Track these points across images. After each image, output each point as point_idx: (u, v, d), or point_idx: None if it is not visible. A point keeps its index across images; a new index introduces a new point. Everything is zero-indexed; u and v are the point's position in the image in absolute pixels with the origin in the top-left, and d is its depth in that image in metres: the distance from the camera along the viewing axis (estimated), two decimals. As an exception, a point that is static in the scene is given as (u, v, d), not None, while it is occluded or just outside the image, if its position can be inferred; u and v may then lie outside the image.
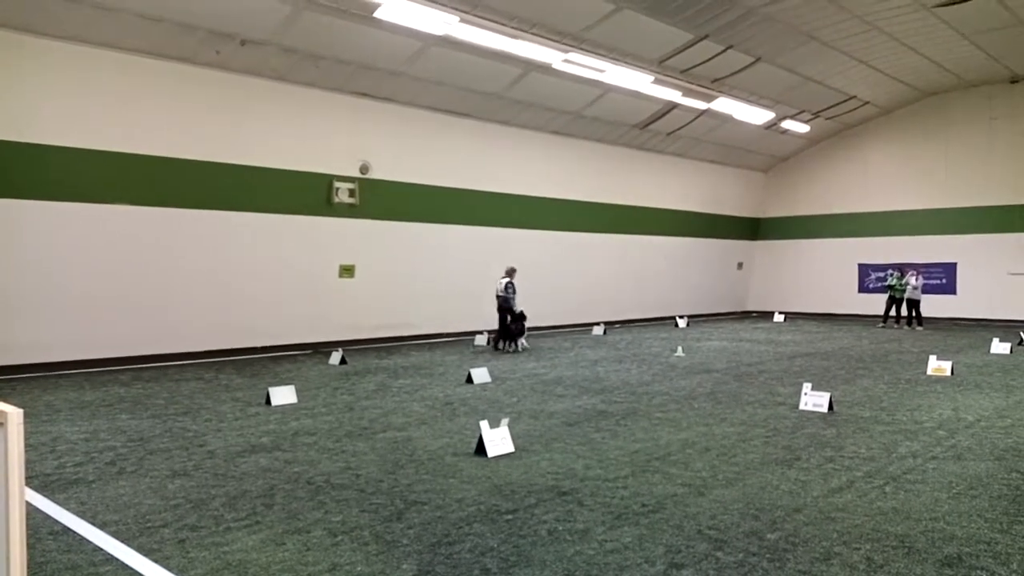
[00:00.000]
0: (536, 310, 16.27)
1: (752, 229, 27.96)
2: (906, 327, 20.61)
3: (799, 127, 23.19)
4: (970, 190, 23.02)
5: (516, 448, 6.66)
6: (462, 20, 13.01)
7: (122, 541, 4.51)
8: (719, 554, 4.27)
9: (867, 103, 22.97)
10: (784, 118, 22.20)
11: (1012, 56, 19.67)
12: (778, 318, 24.05)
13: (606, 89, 17.85)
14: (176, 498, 5.35)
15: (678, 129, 21.67)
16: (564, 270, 20.44)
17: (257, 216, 14.40)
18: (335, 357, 13.05)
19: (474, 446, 6.67)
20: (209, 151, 13.62)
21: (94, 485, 5.70)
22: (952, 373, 11.41)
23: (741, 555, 4.25)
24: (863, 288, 25.19)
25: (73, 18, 11.48)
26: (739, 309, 27.96)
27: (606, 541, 4.46)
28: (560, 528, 4.70)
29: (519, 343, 15.03)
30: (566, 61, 15.43)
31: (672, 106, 19.80)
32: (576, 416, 8.29)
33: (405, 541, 4.50)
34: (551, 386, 10.44)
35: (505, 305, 15.00)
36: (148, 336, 13.11)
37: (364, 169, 15.93)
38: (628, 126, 20.79)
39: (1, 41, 11.31)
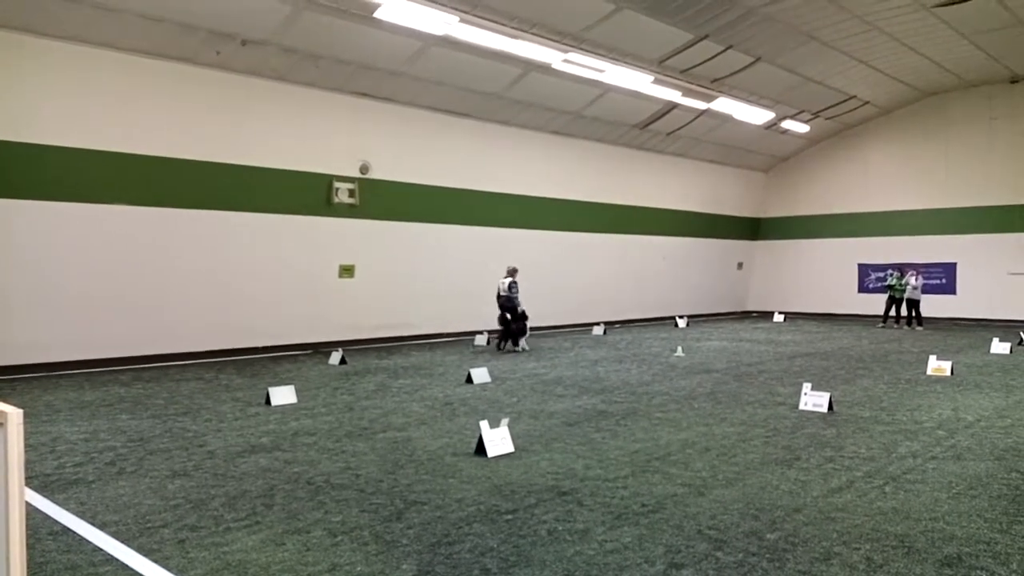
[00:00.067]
0: (536, 310, 16.26)
1: (752, 229, 27.95)
2: (906, 327, 20.61)
3: (799, 127, 23.19)
4: (970, 190, 23.01)
5: (516, 448, 6.66)
6: (462, 20, 13.02)
7: (122, 541, 4.51)
8: (719, 554, 4.27)
9: (867, 103, 22.97)
10: (784, 118, 22.20)
11: (1012, 56, 19.67)
12: (778, 318, 24.03)
13: (606, 89, 17.85)
14: (176, 498, 5.35)
15: (678, 129, 21.66)
16: (564, 270, 20.43)
17: (257, 216, 14.40)
18: (335, 357, 13.05)
19: (474, 446, 6.67)
20: (209, 151, 13.62)
21: (94, 485, 5.70)
22: (952, 373, 11.41)
23: (741, 555, 4.25)
24: (863, 288, 25.18)
25: (73, 18, 11.48)
26: (739, 309, 27.96)
27: (606, 541, 4.46)
28: (560, 528, 4.69)
29: (520, 343, 15.03)
30: (566, 61, 15.43)
31: (672, 106, 19.80)
32: (576, 416, 8.29)
33: (405, 541, 4.50)
34: (551, 386, 10.44)
35: (509, 304, 14.93)
36: (148, 336, 13.11)
37: (364, 169, 15.92)
38: (628, 126, 20.79)
39: (1, 41, 11.30)
